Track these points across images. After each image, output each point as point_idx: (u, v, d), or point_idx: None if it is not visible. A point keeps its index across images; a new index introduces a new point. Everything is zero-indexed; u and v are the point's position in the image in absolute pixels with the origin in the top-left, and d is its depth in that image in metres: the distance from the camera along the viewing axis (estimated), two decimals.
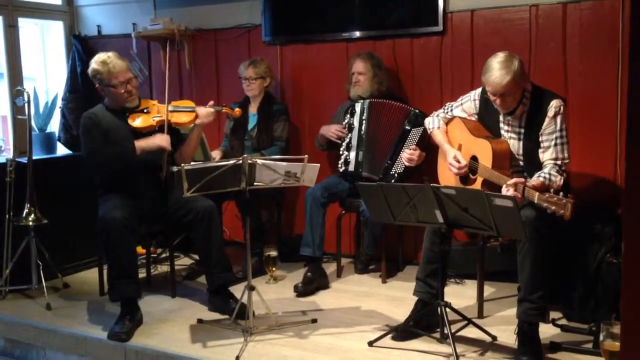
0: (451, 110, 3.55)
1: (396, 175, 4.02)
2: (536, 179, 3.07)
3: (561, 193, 2.76)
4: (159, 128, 3.71)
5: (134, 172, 3.66)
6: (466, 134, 3.39)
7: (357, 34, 4.54)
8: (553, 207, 2.75)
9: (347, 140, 4.24)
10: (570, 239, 3.41)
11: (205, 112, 3.76)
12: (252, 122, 4.49)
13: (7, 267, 4.02)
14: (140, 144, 3.63)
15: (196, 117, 3.75)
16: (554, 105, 3.15)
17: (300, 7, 4.74)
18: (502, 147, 3.25)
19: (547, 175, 3.09)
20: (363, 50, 4.34)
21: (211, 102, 3.84)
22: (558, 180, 3.09)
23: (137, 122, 3.72)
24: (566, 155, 3.17)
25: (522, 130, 3.24)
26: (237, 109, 4.02)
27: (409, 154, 3.87)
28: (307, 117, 4.80)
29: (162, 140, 3.64)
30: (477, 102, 3.43)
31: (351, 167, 4.22)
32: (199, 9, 5.05)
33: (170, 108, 3.74)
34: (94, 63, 3.70)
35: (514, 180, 2.98)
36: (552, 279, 3.21)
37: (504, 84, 3.09)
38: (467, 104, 3.48)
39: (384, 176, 4.02)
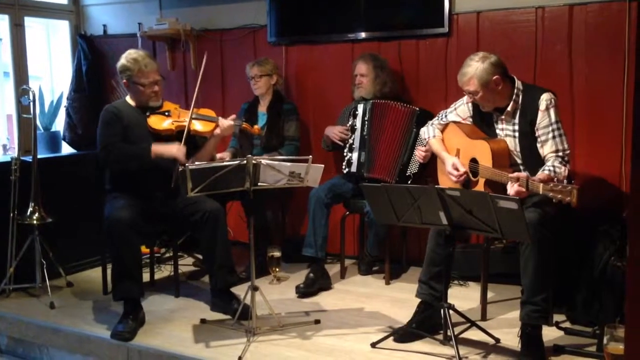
0: (445, 116, 3.56)
1: (412, 176, 4.04)
2: (542, 173, 3.05)
3: (565, 181, 2.75)
4: (177, 133, 3.70)
5: (145, 172, 3.65)
6: (463, 138, 3.40)
7: (363, 35, 4.54)
8: (559, 196, 2.74)
9: (350, 141, 4.24)
10: (575, 241, 3.39)
11: (227, 124, 3.76)
12: (261, 121, 4.48)
13: (11, 265, 4.03)
14: (157, 148, 3.61)
15: (216, 127, 3.75)
16: (545, 98, 3.16)
17: (306, 8, 4.74)
18: (501, 145, 3.27)
19: (552, 168, 3.08)
20: (367, 52, 4.34)
21: (233, 116, 3.86)
22: (563, 171, 3.09)
23: (157, 123, 3.71)
24: (566, 146, 3.16)
25: (517, 127, 3.25)
26: (256, 127, 4.11)
27: (424, 152, 3.81)
28: (313, 118, 4.79)
29: (179, 151, 3.59)
30: (470, 104, 3.43)
31: (353, 168, 4.21)
32: (204, 9, 5.05)
33: (192, 115, 3.72)
34: (125, 59, 3.71)
35: (516, 174, 2.98)
36: (556, 281, 3.20)
37: (463, 81, 3.23)
38: (461, 108, 3.49)
39: (400, 179, 4.03)
